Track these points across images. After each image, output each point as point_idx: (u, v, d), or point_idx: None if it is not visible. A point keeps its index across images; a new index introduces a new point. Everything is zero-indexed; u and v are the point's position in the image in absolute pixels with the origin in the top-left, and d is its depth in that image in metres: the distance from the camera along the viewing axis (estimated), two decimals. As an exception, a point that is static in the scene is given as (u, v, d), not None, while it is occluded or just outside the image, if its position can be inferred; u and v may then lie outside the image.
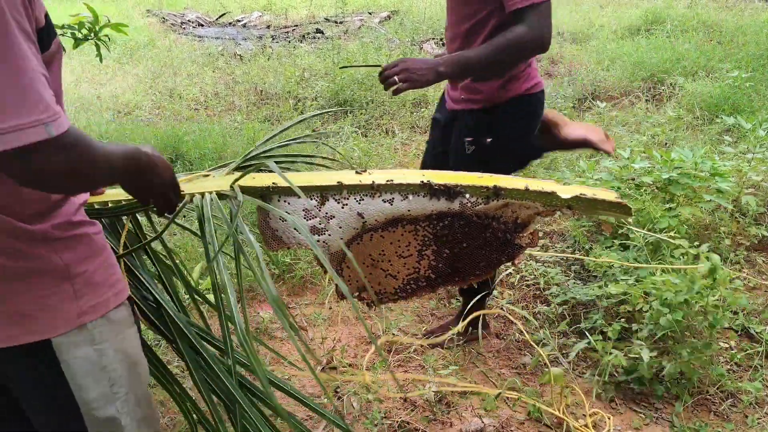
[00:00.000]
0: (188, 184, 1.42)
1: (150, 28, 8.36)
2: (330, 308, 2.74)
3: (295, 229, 1.44)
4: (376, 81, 4.62)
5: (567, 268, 2.89)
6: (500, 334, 2.55)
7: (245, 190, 1.38)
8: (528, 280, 2.84)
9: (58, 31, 2.92)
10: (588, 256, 2.82)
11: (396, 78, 1.80)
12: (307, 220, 1.45)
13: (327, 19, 8.75)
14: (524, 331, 2.42)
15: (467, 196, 1.47)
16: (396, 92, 1.81)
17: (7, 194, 0.98)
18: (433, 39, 7.20)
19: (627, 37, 6.77)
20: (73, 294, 1.05)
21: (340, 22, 8.48)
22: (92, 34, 3.14)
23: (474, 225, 1.51)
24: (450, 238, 1.53)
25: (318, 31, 7.98)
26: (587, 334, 2.35)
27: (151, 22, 8.90)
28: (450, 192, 1.46)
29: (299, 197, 1.42)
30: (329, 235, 1.47)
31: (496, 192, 1.46)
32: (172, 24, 8.81)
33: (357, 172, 1.47)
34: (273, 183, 1.42)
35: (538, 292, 2.77)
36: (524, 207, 1.49)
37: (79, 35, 3.18)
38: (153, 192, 1.13)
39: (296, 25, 8.48)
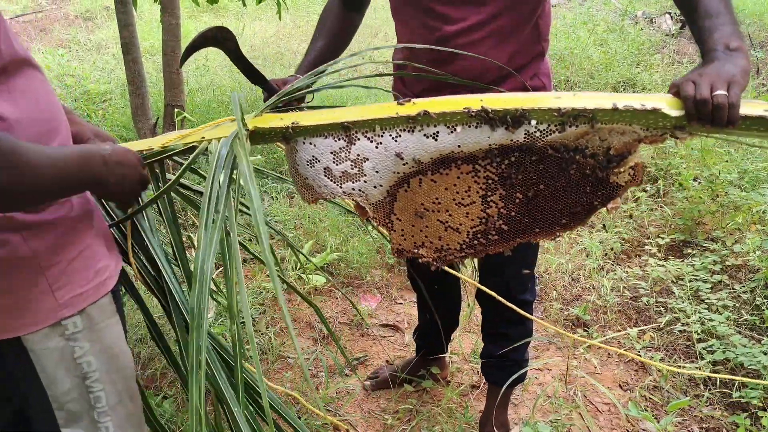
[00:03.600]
0: (202, 131, 1.29)
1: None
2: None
3: (324, 174, 1.26)
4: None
5: (739, 317, 2.32)
6: (626, 383, 2.14)
7: (263, 132, 1.24)
8: (677, 323, 2.35)
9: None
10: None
11: (722, 95, 1.01)
12: (336, 164, 1.25)
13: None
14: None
15: (533, 123, 1.14)
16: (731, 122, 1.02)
17: None
18: (669, 13, 6.31)
19: None
20: (48, 287, 0.96)
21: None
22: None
23: (551, 160, 1.17)
24: (521, 179, 1.21)
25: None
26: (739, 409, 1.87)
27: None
28: (508, 119, 1.14)
29: (325, 138, 1.24)
30: (365, 181, 1.26)
31: (573, 115, 1.11)
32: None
33: (399, 103, 1.22)
34: (293, 123, 1.24)
35: (688, 343, 2.27)
36: (617, 132, 1.12)
37: (260, -7, 3.30)
38: (116, 193, 1.05)
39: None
